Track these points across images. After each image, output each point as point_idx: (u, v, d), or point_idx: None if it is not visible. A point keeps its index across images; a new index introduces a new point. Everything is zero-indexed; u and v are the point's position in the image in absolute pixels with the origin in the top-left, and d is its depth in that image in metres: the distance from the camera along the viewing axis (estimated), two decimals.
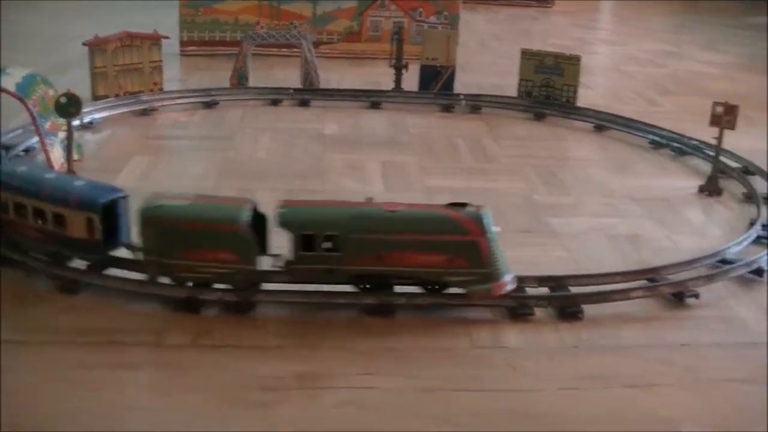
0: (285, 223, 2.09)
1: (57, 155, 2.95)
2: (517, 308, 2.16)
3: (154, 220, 2.10)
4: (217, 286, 2.15)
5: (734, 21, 7.97)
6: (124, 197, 2.21)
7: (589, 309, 2.18)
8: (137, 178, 3.00)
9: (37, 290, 2.20)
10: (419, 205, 2.24)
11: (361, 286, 2.16)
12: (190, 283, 2.15)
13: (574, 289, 2.23)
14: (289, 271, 2.13)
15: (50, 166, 2.91)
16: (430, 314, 2.15)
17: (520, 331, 2.10)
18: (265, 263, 2.16)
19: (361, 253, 2.09)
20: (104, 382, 1.83)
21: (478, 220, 2.10)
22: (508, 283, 2.13)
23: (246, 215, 2.09)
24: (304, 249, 2.09)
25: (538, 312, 2.17)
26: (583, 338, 2.08)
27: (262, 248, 2.15)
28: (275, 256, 2.16)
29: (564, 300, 2.19)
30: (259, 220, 2.14)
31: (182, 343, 1.99)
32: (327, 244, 2.09)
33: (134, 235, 2.18)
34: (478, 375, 1.91)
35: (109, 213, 2.17)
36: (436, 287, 2.16)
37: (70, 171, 2.85)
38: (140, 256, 2.16)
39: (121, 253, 2.24)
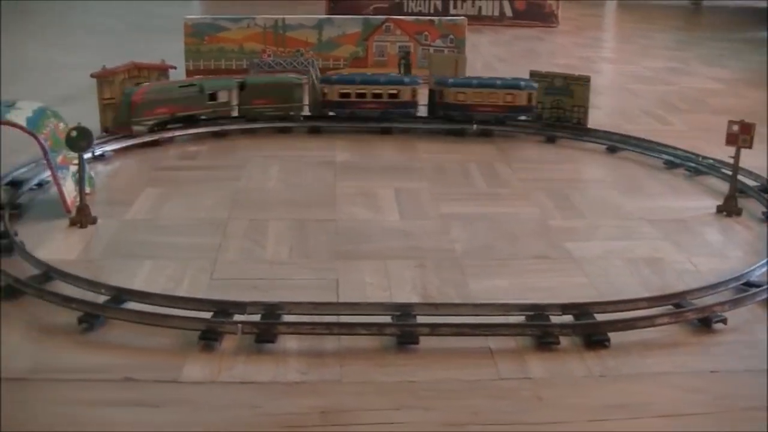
0: None
1: (69, 188, 2.92)
2: (542, 337, 2.12)
3: None
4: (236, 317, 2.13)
5: (736, 35, 7.97)
6: None
7: (613, 336, 2.14)
8: (148, 211, 2.97)
9: (54, 324, 2.18)
10: None
11: None
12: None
13: (599, 317, 2.20)
14: None
15: (62, 200, 2.88)
16: (453, 344, 2.11)
17: (545, 360, 2.06)
18: None
19: None
20: (122, 422, 1.80)
21: None
22: None
23: None
24: None
25: (563, 340, 2.13)
26: (609, 366, 2.04)
27: None
28: None
29: (589, 328, 2.16)
30: None
31: (200, 379, 1.96)
32: None
33: None
34: (504, 407, 1.87)
35: None
36: None
37: (83, 204, 2.82)
38: None
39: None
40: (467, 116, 3.97)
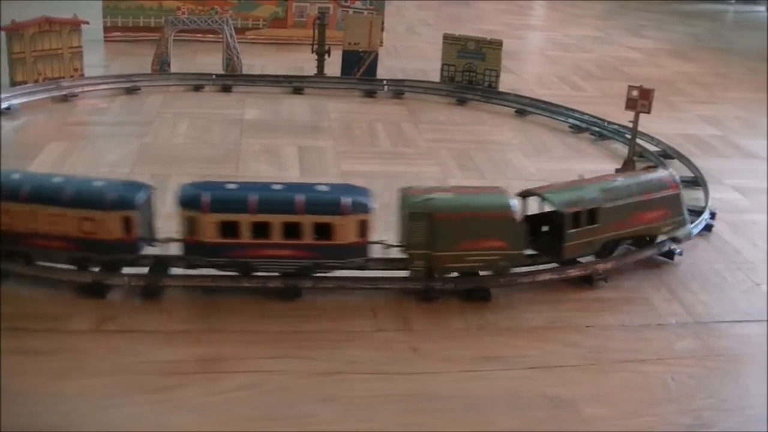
0: (560, 203, 2.26)
1: None
2: (423, 291, 2.16)
3: (425, 214, 2.13)
4: (125, 270, 2.14)
5: (664, 7, 8.04)
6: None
7: (496, 292, 2.19)
8: (51, 165, 2.96)
9: None
10: (626, 174, 2.60)
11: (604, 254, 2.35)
12: (455, 274, 2.20)
13: (481, 272, 2.23)
14: (559, 251, 2.26)
15: None
16: (336, 297, 2.14)
17: (425, 313, 2.10)
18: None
19: (610, 221, 2.30)
20: (5, 368, 1.81)
21: (675, 177, 2.45)
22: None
23: (513, 203, 2.20)
24: (574, 226, 2.24)
25: (444, 295, 2.17)
26: (488, 320, 2.09)
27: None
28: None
29: (470, 283, 2.20)
30: None
31: (85, 329, 1.97)
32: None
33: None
34: (380, 358, 1.91)
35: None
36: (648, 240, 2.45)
37: None
38: (405, 251, 2.17)
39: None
40: None
